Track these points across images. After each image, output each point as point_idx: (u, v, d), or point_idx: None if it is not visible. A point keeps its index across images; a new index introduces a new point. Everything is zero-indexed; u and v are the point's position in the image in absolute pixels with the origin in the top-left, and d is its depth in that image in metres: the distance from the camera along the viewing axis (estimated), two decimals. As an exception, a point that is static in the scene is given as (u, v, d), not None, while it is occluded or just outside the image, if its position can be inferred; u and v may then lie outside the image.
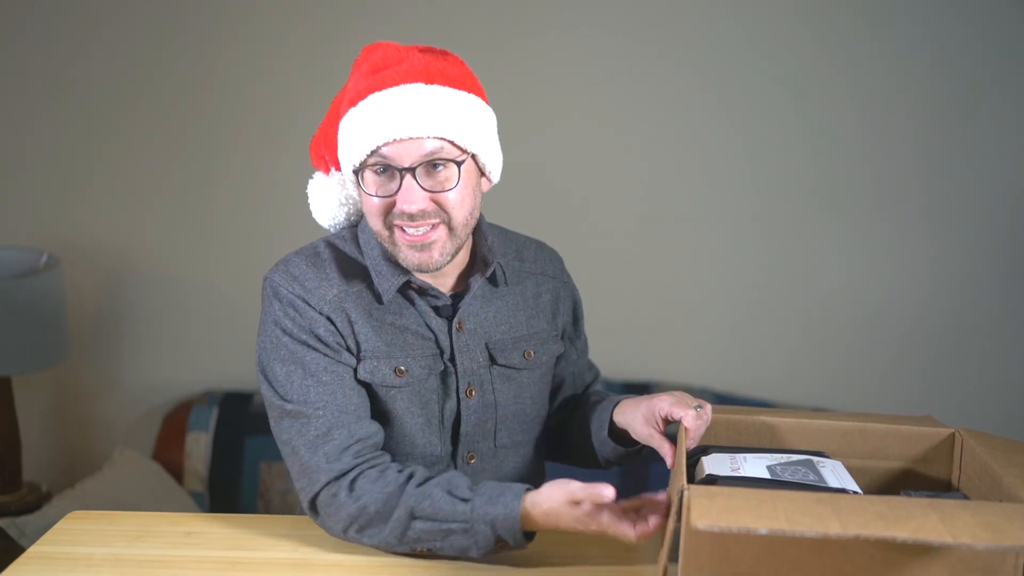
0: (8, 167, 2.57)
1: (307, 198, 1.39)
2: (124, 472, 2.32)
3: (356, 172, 1.25)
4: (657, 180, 2.55)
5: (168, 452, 2.49)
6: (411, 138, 1.20)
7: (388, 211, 1.24)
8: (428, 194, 1.22)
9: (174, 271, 2.61)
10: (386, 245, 1.28)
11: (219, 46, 2.51)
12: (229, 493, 2.44)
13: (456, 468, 1.36)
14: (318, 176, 1.38)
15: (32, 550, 1.26)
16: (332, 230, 1.40)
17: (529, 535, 1.18)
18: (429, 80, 1.23)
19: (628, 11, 2.47)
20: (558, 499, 1.15)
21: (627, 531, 1.11)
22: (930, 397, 2.54)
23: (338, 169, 1.34)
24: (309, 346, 1.27)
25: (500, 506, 1.16)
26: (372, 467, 1.24)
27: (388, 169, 1.22)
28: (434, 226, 1.24)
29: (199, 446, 2.46)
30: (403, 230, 1.24)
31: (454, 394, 1.34)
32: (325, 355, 1.28)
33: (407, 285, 1.31)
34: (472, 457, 1.36)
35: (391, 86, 1.22)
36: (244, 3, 2.49)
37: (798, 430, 1.30)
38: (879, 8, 2.46)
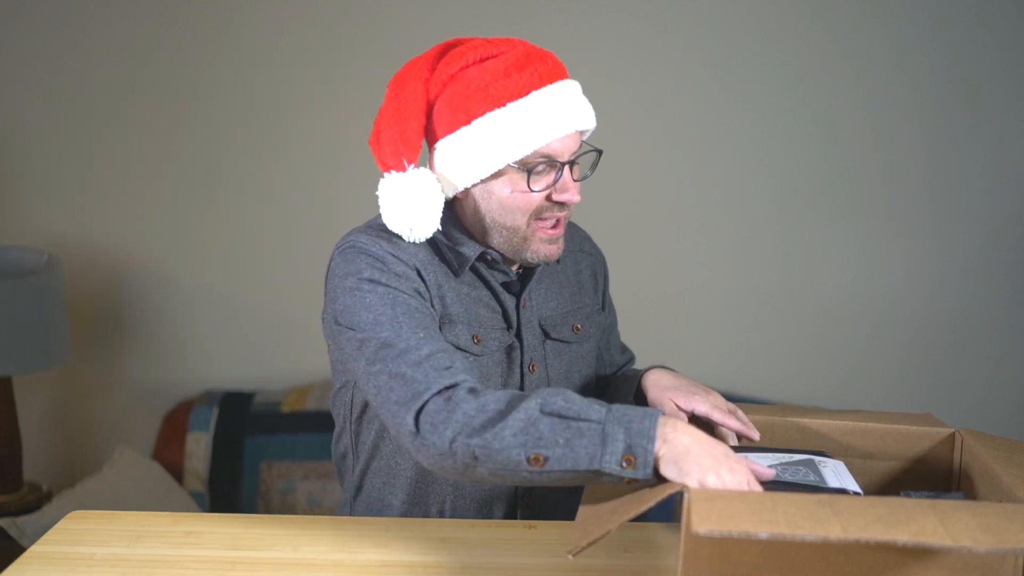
0: (8, 167, 2.57)
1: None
2: (124, 472, 2.32)
3: (501, 170, 1.25)
4: (665, 181, 2.56)
5: (168, 452, 2.49)
6: (576, 132, 1.26)
7: (538, 205, 1.27)
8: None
9: (174, 271, 2.61)
10: (515, 240, 1.29)
11: (219, 46, 2.51)
12: (229, 493, 2.44)
13: None
14: (396, 176, 1.27)
15: (32, 550, 1.25)
16: (409, 233, 1.29)
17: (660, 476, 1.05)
18: (568, 76, 1.29)
19: (644, 14, 2.47)
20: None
21: None
22: (936, 398, 2.54)
23: (415, 164, 1.27)
24: (400, 290, 1.23)
25: (638, 410, 1.07)
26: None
27: (550, 163, 1.25)
28: (562, 218, 1.30)
29: (199, 446, 2.46)
30: (544, 222, 1.28)
31: (518, 369, 1.36)
32: (415, 297, 1.24)
33: (480, 257, 1.32)
34: None
35: (549, 83, 1.25)
36: (245, 4, 2.49)
37: (798, 430, 1.30)
38: (892, 13, 2.46)
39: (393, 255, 1.26)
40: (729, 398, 2.53)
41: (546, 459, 1.06)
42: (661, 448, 1.04)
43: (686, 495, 0.96)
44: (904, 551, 0.94)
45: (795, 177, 2.54)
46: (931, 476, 1.29)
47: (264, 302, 2.62)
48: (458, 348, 1.29)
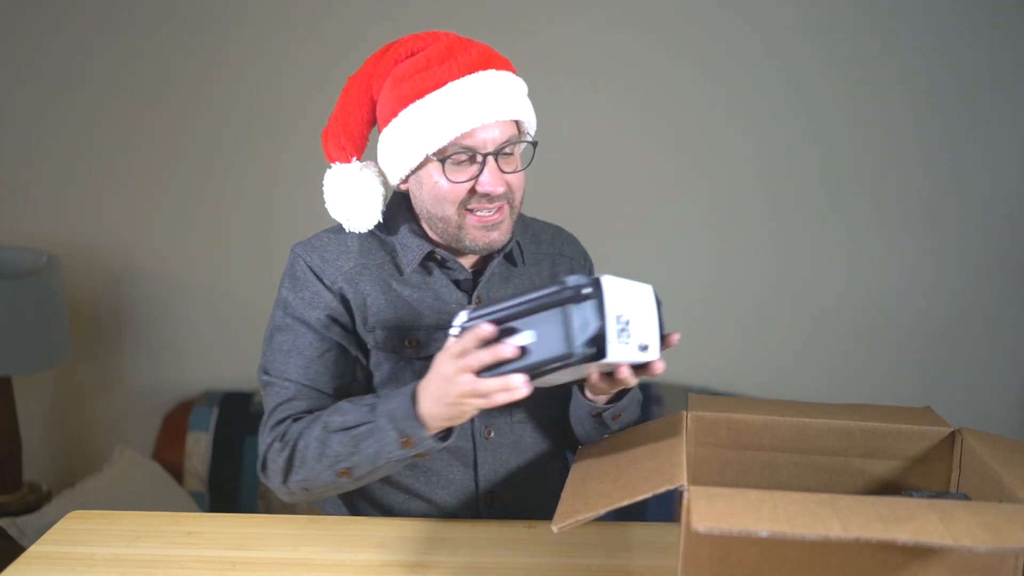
0: (8, 167, 2.57)
1: (321, 193, 1.35)
2: (124, 472, 2.32)
3: (424, 162, 1.26)
4: (659, 181, 2.55)
5: (168, 452, 2.49)
6: (496, 122, 1.23)
7: (463, 196, 1.26)
8: (505, 176, 1.26)
9: (174, 271, 2.61)
10: (450, 230, 1.29)
11: (219, 46, 2.51)
12: (229, 493, 2.44)
13: (475, 442, 1.37)
14: (339, 168, 1.33)
15: (32, 550, 1.26)
16: (347, 223, 1.34)
17: (443, 436, 1.19)
18: (499, 66, 1.27)
19: (639, 16, 2.47)
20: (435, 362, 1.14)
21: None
22: (930, 397, 2.54)
23: (359, 158, 1.34)
24: (305, 323, 1.32)
25: (397, 397, 1.18)
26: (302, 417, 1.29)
27: (470, 155, 1.24)
28: (500, 208, 1.28)
29: (199, 446, 2.46)
30: (474, 213, 1.27)
31: None
32: (315, 331, 1.32)
33: (430, 256, 1.33)
34: (490, 431, 1.38)
35: (468, 73, 1.24)
36: (245, 2, 2.49)
37: (798, 429, 1.30)
38: (885, 11, 2.46)
39: (316, 275, 1.33)
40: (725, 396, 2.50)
41: (350, 469, 1.21)
42: (428, 415, 1.15)
43: (686, 494, 0.96)
44: (905, 551, 0.94)
45: (790, 177, 2.55)
46: (931, 476, 1.28)
47: (264, 302, 2.59)
48: (389, 353, 1.33)
